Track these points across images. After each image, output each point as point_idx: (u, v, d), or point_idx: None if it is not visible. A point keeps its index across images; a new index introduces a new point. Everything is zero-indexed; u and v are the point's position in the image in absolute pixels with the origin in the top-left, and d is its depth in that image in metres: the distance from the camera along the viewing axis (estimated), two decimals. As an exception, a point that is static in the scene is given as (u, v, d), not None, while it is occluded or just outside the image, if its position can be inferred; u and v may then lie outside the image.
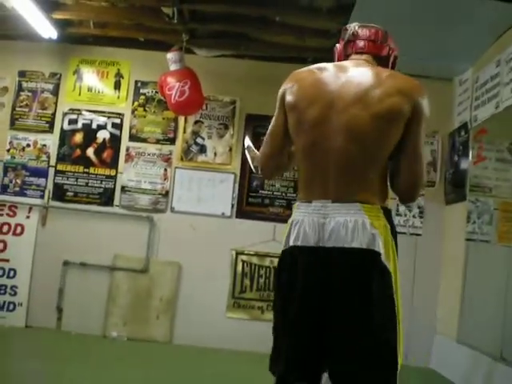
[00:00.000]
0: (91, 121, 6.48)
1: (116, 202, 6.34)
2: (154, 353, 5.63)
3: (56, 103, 6.55)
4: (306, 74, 2.28)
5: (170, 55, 5.79)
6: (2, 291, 6.22)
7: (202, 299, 6.15)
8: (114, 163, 6.41)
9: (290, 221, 2.21)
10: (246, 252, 6.25)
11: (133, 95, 6.52)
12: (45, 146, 6.46)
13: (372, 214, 2.07)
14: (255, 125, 6.47)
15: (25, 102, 6.56)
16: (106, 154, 6.45)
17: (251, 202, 6.36)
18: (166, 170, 6.39)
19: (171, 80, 5.75)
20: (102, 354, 5.39)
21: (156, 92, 6.34)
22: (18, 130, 6.52)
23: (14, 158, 6.48)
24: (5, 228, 6.34)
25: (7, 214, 6.37)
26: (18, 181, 6.42)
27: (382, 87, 2.10)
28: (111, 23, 6.15)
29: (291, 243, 2.14)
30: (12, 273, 6.25)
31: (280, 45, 6.16)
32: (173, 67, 5.79)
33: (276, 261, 6.17)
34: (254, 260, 6.25)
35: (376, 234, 2.05)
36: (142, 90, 6.53)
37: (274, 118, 2.34)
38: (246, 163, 6.33)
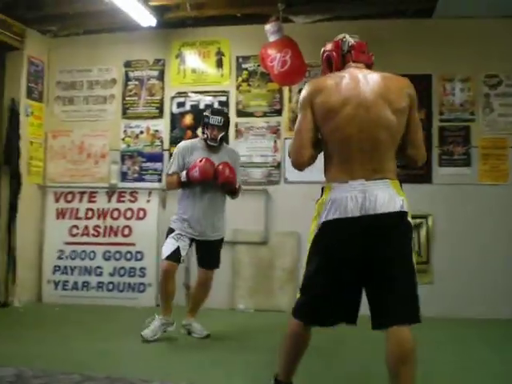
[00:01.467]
0: (198, 101, 6.83)
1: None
2: (282, 322, 5.84)
3: (163, 88, 6.94)
4: (330, 81, 2.95)
5: (268, 27, 5.98)
6: (132, 273, 6.73)
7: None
8: (225, 141, 6.63)
9: (324, 199, 2.87)
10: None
11: (236, 71, 6.80)
12: (157, 131, 6.85)
13: (396, 187, 2.84)
14: (361, 86, 6.46)
15: (133, 91, 7.00)
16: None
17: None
18: (275, 141, 6.61)
19: (272, 51, 5.93)
20: (232, 326, 5.68)
21: (258, 65, 6.55)
22: (130, 118, 6.98)
23: (130, 145, 6.93)
24: (128, 213, 6.85)
25: (129, 200, 6.87)
26: (136, 167, 6.87)
27: (394, 88, 2.94)
28: (207, 3, 6.41)
29: (332, 217, 2.81)
30: (139, 255, 6.75)
31: (377, 1, 6.13)
32: (272, 38, 5.97)
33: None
34: (373, 223, 6.29)
35: (403, 200, 2.83)
36: (243, 65, 6.77)
37: (301, 117, 2.96)
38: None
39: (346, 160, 2.83)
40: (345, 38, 3.18)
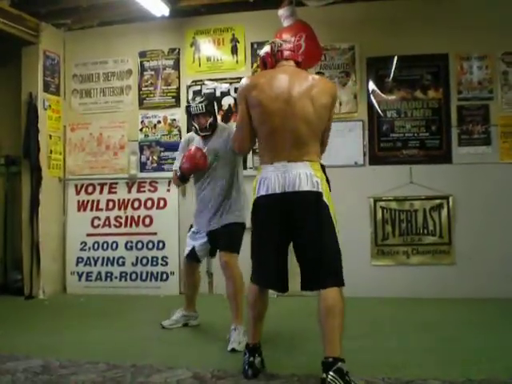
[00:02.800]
0: (214, 89, 6.84)
1: (249, 164, 6.65)
2: (303, 307, 5.85)
3: (179, 77, 6.96)
4: (263, 79, 3.46)
5: (281, 11, 5.96)
6: (155, 263, 6.78)
7: (346, 250, 6.17)
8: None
9: (257, 178, 3.42)
10: (384, 198, 6.38)
11: (251, 57, 6.77)
12: (174, 120, 6.87)
13: (315, 168, 3.31)
14: (378, 67, 6.55)
15: (149, 81, 7.01)
16: (233, 120, 6.72)
17: (383, 147, 6.44)
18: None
19: (286, 36, 5.89)
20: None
21: (273, 51, 6.46)
22: (147, 108, 7.01)
23: (148, 136, 6.96)
24: (149, 203, 6.89)
25: (149, 190, 6.92)
26: (155, 157, 6.90)
27: (319, 87, 3.39)
28: (220, -10, 6.35)
29: (261, 193, 3.36)
30: (161, 244, 6.80)
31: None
32: (286, 23, 5.96)
33: (416, 203, 6.18)
34: (393, 205, 6.36)
35: (319, 181, 3.29)
36: (259, 51, 6.68)
37: (239, 111, 3.51)
38: (372, 108, 6.39)
39: (272, 147, 3.37)
40: (274, 41, 3.63)
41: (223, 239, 4.55)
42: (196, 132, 4.72)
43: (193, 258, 4.82)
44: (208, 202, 4.62)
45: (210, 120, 4.64)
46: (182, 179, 4.79)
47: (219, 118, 6.71)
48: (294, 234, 3.33)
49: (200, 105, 4.62)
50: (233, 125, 4.72)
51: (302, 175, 3.26)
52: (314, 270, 3.31)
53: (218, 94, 6.86)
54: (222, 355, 4.08)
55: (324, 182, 3.32)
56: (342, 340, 3.17)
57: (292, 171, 3.27)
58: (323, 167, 3.38)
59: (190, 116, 4.80)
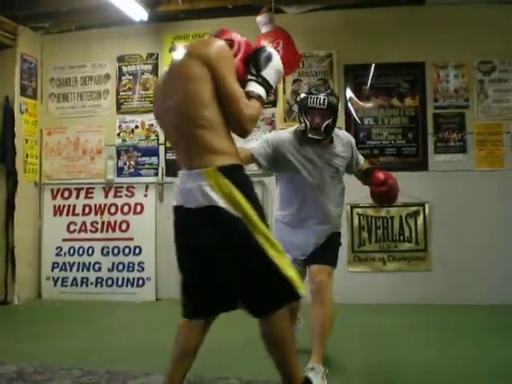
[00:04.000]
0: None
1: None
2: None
3: (157, 82, 6.86)
4: (162, 76, 2.84)
5: (259, 18, 6.01)
6: (131, 268, 6.78)
7: (322, 256, 6.29)
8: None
9: None
10: (360, 205, 6.37)
11: (229, 63, 6.70)
12: (152, 125, 6.88)
13: (209, 176, 2.53)
14: (355, 75, 6.58)
15: (127, 86, 7.01)
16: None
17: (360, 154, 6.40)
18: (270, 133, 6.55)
19: (264, 43, 5.88)
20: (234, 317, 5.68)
21: (251, 57, 6.48)
22: (125, 113, 7.01)
23: (125, 140, 6.95)
24: (125, 208, 6.89)
25: (126, 195, 6.92)
26: (132, 162, 6.88)
27: (185, 62, 2.63)
28: (200, -5, 6.37)
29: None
30: (137, 250, 6.79)
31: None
32: (264, 29, 6.01)
33: (392, 210, 6.22)
34: (370, 212, 6.40)
35: (213, 193, 2.52)
36: (237, 57, 6.69)
37: None
38: (350, 116, 6.43)
39: (175, 150, 2.97)
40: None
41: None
42: (304, 131, 3.70)
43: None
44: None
45: (328, 122, 3.63)
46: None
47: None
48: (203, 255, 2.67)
49: (323, 98, 3.62)
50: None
51: (193, 188, 2.56)
52: (241, 296, 2.66)
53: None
54: (199, 361, 4.07)
55: (225, 190, 2.51)
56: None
57: (184, 183, 2.63)
58: (227, 169, 2.53)
59: (300, 110, 3.75)
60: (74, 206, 7.08)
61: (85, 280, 6.90)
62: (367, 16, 6.49)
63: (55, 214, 7.12)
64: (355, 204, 6.44)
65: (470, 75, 6.43)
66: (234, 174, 2.57)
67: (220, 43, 2.65)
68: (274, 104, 6.73)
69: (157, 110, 2.87)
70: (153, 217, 6.84)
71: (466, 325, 5.14)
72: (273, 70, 2.73)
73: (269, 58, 2.74)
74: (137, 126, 7.00)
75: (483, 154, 6.36)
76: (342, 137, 3.87)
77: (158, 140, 6.93)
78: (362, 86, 6.54)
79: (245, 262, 2.54)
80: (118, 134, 7.05)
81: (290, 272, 2.56)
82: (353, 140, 3.97)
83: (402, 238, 6.39)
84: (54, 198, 7.14)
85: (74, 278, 6.93)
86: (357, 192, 6.34)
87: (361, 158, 4.05)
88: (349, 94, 6.56)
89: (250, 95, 2.64)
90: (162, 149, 6.90)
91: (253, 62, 2.74)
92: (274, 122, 6.69)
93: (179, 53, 2.97)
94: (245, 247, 2.53)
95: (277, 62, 2.77)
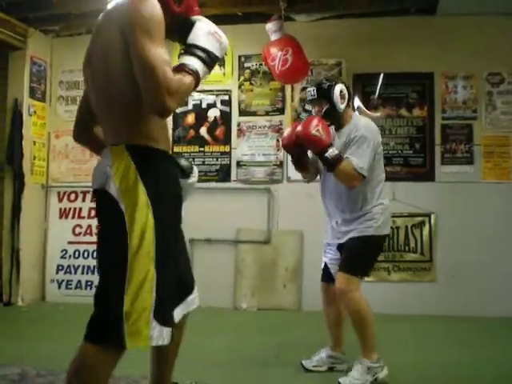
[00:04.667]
0: (201, 101, 6.83)
1: (233, 177, 6.69)
2: (285, 321, 5.89)
3: (165, 87, 6.87)
4: None
5: (269, 25, 6.01)
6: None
7: (327, 265, 6.28)
8: (227, 140, 6.74)
9: None
10: (366, 214, 6.30)
11: (238, 70, 6.83)
12: (160, 130, 6.79)
13: (115, 156, 2.21)
14: (363, 84, 6.58)
15: (136, 90, 6.93)
16: (218, 132, 6.76)
17: (367, 164, 6.40)
18: (278, 140, 6.63)
19: (273, 50, 5.96)
20: (235, 325, 5.69)
21: (260, 64, 6.59)
22: (133, 117, 6.91)
23: (133, 145, 6.87)
24: (131, 213, 6.77)
25: (132, 200, 6.79)
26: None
27: (105, 28, 2.32)
28: (208, 2, 6.42)
29: None
30: (143, 255, 6.68)
31: (381, -1, 6.13)
32: (273, 37, 6.01)
33: (398, 220, 6.19)
34: (376, 221, 6.30)
35: (110, 174, 2.19)
36: (246, 64, 6.79)
37: None
38: (357, 125, 6.40)
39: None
40: None
41: (343, 259, 3.76)
42: None
43: (324, 276, 4.00)
44: (332, 207, 3.94)
45: (326, 107, 3.75)
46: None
47: (204, 129, 6.80)
48: None
49: (311, 89, 3.79)
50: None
51: (98, 166, 2.32)
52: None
53: (204, 105, 6.87)
54: (198, 367, 4.07)
55: (125, 174, 2.17)
56: None
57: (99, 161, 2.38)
58: (137, 150, 2.22)
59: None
60: (80, 208, 7.09)
61: (89, 283, 6.89)
62: (377, 25, 6.49)
63: (61, 217, 7.13)
64: (361, 213, 6.42)
65: (479, 86, 6.42)
66: (142, 157, 2.21)
67: (147, 3, 2.13)
68: (281, 111, 6.74)
69: (84, 74, 2.55)
70: (158, 221, 6.84)
71: (469, 336, 5.12)
72: (206, 37, 2.26)
73: (202, 27, 2.28)
74: (144, 131, 6.99)
75: (490, 165, 6.35)
76: (354, 126, 3.75)
77: (165, 144, 6.94)
78: (371, 95, 6.54)
79: (101, 264, 2.32)
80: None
81: (132, 307, 2.13)
82: (361, 132, 3.67)
83: (407, 248, 6.37)
84: (61, 200, 7.15)
85: (79, 281, 6.93)
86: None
87: (352, 159, 3.61)
88: (357, 102, 6.56)
89: (180, 69, 2.16)
90: (168, 153, 6.91)
91: (181, 32, 2.29)
92: (282, 129, 6.70)
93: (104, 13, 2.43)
94: (110, 241, 2.24)
95: (206, 27, 2.29)
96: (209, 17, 6.29)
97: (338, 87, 3.73)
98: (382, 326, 4.77)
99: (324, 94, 3.74)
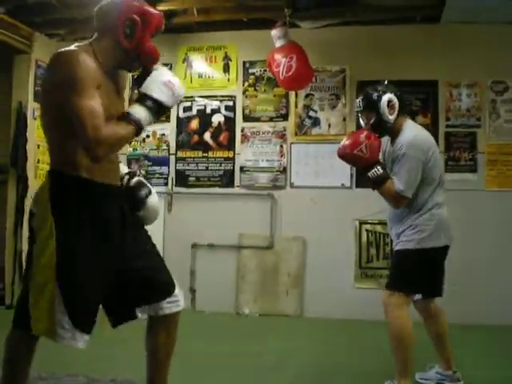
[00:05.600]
0: (205, 106, 6.85)
1: (236, 182, 6.70)
2: (287, 327, 5.90)
3: (170, 93, 6.88)
4: None
5: (274, 32, 6.03)
6: (138, 277, 6.66)
7: (330, 271, 6.36)
8: (230, 145, 6.75)
9: None
10: (369, 221, 6.36)
11: (242, 76, 6.85)
12: (163, 135, 6.89)
13: (44, 180, 2.56)
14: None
15: (140, 95, 6.94)
16: (222, 137, 6.77)
17: (370, 171, 6.40)
18: (281, 146, 6.63)
19: (278, 56, 5.97)
20: (237, 331, 5.69)
21: (265, 70, 6.61)
22: (137, 122, 6.92)
23: (136, 149, 6.99)
24: (134, 217, 6.79)
25: (135, 204, 6.80)
26: (142, 171, 6.88)
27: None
28: (214, 8, 6.44)
29: None
30: (145, 259, 6.68)
31: (386, 7, 6.18)
32: (278, 43, 6.03)
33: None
34: (379, 228, 6.38)
35: (36, 196, 2.59)
36: (250, 70, 6.80)
37: None
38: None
39: None
40: None
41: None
42: None
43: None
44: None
45: (373, 120, 3.62)
46: None
47: (208, 134, 6.82)
48: None
49: (358, 101, 3.71)
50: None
51: None
52: None
53: (208, 111, 6.89)
54: (201, 372, 4.07)
55: (42, 198, 2.52)
56: None
57: None
58: (55, 176, 2.52)
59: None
60: (83, 212, 7.08)
61: (91, 287, 6.87)
62: (381, 33, 6.51)
63: (64, 220, 7.12)
64: (364, 220, 6.43)
65: (483, 95, 6.43)
66: (56, 182, 2.50)
67: (63, 57, 2.42)
68: (285, 117, 6.76)
69: None
70: (161, 227, 6.83)
71: (471, 344, 5.12)
72: (158, 86, 2.47)
73: (155, 76, 2.51)
74: (148, 136, 7.02)
75: (493, 173, 6.34)
76: (400, 140, 3.59)
77: (168, 150, 6.96)
78: (375, 102, 6.54)
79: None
80: (130, 143, 7.07)
81: (36, 306, 2.48)
82: (403, 151, 3.52)
83: (409, 255, 6.37)
84: (64, 204, 7.15)
85: (81, 285, 6.92)
86: (365, 208, 6.38)
87: (395, 180, 3.54)
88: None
89: (123, 117, 2.45)
90: (172, 159, 6.93)
91: (138, 80, 2.52)
92: (286, 135, 6.71)
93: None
94: (28, 259, 2.61)
95: (161, 77, 2.51)
96: (214, 22, 6.28)
97: (386, 97, 3.56)
98: (382, 333, 4.77)
99: (370, 106, 3.59)
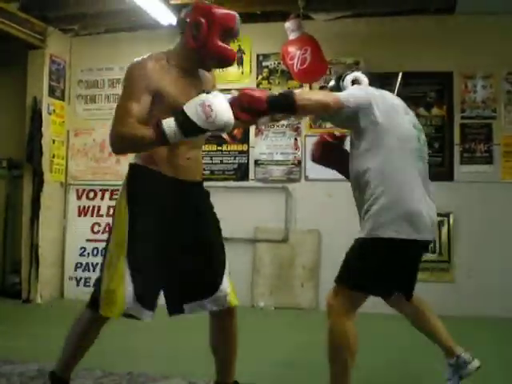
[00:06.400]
0: (218, 99, 6.74)
1: (251, 175, 6.71)
2: (302, 320, 5.89)
3: (184, 86, 6.89)
4: None
5: (287, 24, 5.99)
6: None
7: (345, 264, 6.25)
8: (245, 138, 6.76)
9: None
10: (384, 213, 6.27)
11: (256, 69, 6.83)
12: (178, 128, 6.82)
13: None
14: (382, 83, 6.40)
15: (154, 89, 6.95)
16: (236, 131, 6.72)
17: (385, 163, 6.37)
18: (296, 139, 6.62)
19: (292, 49, 5.95)
20: (252, 324, 5.68)
21: (279, 63, 6.58)
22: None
23: (151, 143, 6.90)
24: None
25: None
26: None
27: None
28: (227, 1, 6.36)
29: None
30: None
31: (399, -2, 6.09)
32: (292, 36, 6.00)
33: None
34: (394, 221, 6.26)
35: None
36: (264, 63, 6.78)
37: None
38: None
39: None
40: None
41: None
42: None
43: None
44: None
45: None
46: None
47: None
48: None
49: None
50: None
51: None
52: None
53: (222, 104, 6.87)
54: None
55: (124, 183, 2.84)
56: None
57: None
58: (131, 167, 2.87)
59: None
60: (99, 206, 7.13)
61: (107, 281, 6.91)
62: (395, 24, 6.46)
63: (80, 215, 7.18)
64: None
65: (498, 86, 6.37)
66: (131, 173, 2.83)
67: (129, 66, 2.70)
68: (299, 110, 6.72)
69: None
70: (176, 220, 6.86)
71: (486, 337, 5.08)
72: (195, 107, 2.45)
73: (202, 96, 2.49)
74: (162, 129, 7.01)
75: (510, 165, 6.29)
76: None
77: (184, 144, 6.96)
78: (388, 94, 6.50)
79: None
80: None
81: (109, 286, 2.67)
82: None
83: (425, 247, 6.34)
84: (79, 198, 7.20)
85: (97, 279, 6.97)
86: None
87: None
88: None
89: (153, 123, 2.52)
90: (189, 152, 6.93)
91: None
92: (300, 128, 6.69)
93: None
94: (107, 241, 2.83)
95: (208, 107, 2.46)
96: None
97: (351, 76, 3.36)
98: (397, 326, 4.77)
99: (336, 87, 3.36)
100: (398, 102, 3.26)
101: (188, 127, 2.47)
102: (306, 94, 3.06)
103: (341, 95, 2.98)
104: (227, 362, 3.03)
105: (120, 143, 2.61)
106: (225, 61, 2.78)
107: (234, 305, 2.87)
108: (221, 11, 2.74)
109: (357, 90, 3.17)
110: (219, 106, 2.48)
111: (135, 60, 2.71)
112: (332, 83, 3.47)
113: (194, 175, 2.86)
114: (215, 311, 2.85)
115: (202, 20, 2.65)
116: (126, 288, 2.62)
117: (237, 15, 2.79)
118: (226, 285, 2.85)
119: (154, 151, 2.67)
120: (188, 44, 2.71)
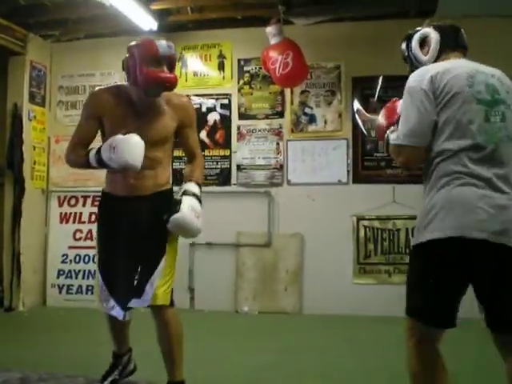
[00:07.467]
0: (200, 105, 6.83)
1: (233, 180, 6.71)
2: (286, 324, 5.89)
3: (165, 92, 6.88)
4: None
5: (269, 29, 6.03)
6: (137, 277, 6.66)
7: (328, 268, 6.36)
8: (227, 143, 6.75)
9: None
10: (366, 217, 6.38)
11: (237, 74, 6.84)
12: (159, 134, 6.80)
13: None
14: (363, 87, 6.57)
15: (136, 95, 6.93)
16: (218, 135, 6.77)
17: (367, 166, 6.49)
18: (278, 143, 6.64)
19: (273, 54, 5.97)
20: (236, 329, 5.69)
21: (260, 68, 6.59)
22: (133, 122, 6.92)
23: (133, 149, 6.88)
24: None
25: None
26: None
27: None
28: (208, 6, 6.45)
29: None
30: (143, 259, 6.69)
31: (380, 2, 6.12)
32: (273, 41, 6.03)
33: (398, 223, 6.17)
34: (376, 224, 6.38)
35: None
36: (245, 68, 6.80)
37: None
38: (357, 127, 6.43)
39: None
40: None
41: None
42: None
43: None
44: None
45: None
46: None
47: (204, 133, 6.80)
48: None
49: None
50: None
51: None
52: None
53: (203, 109, 6.88)
54: (202, 370, 4.07)
55: None
56: None
57: None
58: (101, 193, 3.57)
59: None
60: (81, 213, 7.09)
61: (90, 288, 6.89)
62: (376, 28, 6.49)
63: (61, 222, 7.14)
64: (361, 216, 6.43)
65: (478, 89, 6.41)
66: (100, 197, 3.48)
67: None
68: (281, 115, 6.75)
69: None
70: (159, 225, 6.84)
71: (469, 339, 5.11)
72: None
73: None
74: (144, 135, 7.00)
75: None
76: None
77: (164, 149, 6.94)
78: (370, 98, 6.53)
79: None
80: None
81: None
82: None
83: (407, 250, 6.36)
84: (61, 205, 7.16)
85: (80, 286, 6.94)
86: (363, 204, 6.39)
87: None
88: (356, 105, 6.56)
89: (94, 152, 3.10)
90: (169, 158, 6.92)
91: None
92: (282, 132, 6.71)
93: None
94: None
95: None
96: (209, 21, 6.30)
97: (419, 34, 2.90)
98: (382, 329, 4.79)
99: (403, 52, 3.01)
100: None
101: (100, 160, 2.96)
102: (393, 151, 2.47)
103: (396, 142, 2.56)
104: (168, 359, 3.30)
105: (68, 163, 3.31)
106: (159, 84, 2.99)
107: (161, 304, 3.15)
108: (140, 42, 3.03)
109: (406, 102, 2.58)
110: (122, 147, 2.85)
111: (94, 89, 3.31)
112: (403, 46, 2.98)
113: (144, 191, 3.17)
114: (153, 312, 3.23)
115: (127, 55, 3.05)
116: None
117: (161, 41, 3.00)
118: (153, 287, 3.10)
119: (114, 175, 3.25)
120: (127, 80, 3.11)
